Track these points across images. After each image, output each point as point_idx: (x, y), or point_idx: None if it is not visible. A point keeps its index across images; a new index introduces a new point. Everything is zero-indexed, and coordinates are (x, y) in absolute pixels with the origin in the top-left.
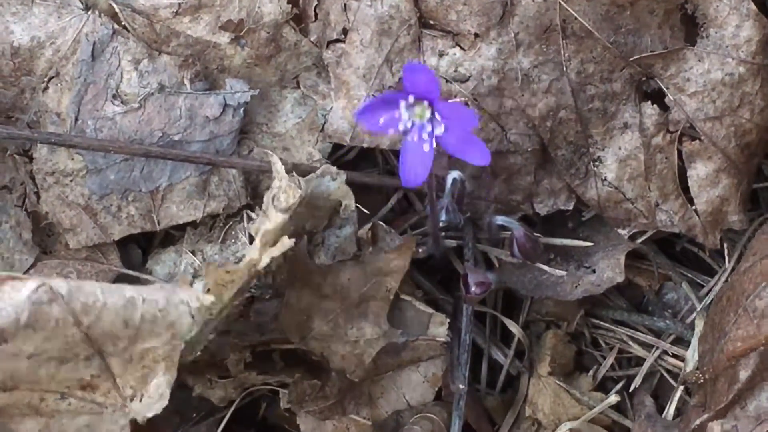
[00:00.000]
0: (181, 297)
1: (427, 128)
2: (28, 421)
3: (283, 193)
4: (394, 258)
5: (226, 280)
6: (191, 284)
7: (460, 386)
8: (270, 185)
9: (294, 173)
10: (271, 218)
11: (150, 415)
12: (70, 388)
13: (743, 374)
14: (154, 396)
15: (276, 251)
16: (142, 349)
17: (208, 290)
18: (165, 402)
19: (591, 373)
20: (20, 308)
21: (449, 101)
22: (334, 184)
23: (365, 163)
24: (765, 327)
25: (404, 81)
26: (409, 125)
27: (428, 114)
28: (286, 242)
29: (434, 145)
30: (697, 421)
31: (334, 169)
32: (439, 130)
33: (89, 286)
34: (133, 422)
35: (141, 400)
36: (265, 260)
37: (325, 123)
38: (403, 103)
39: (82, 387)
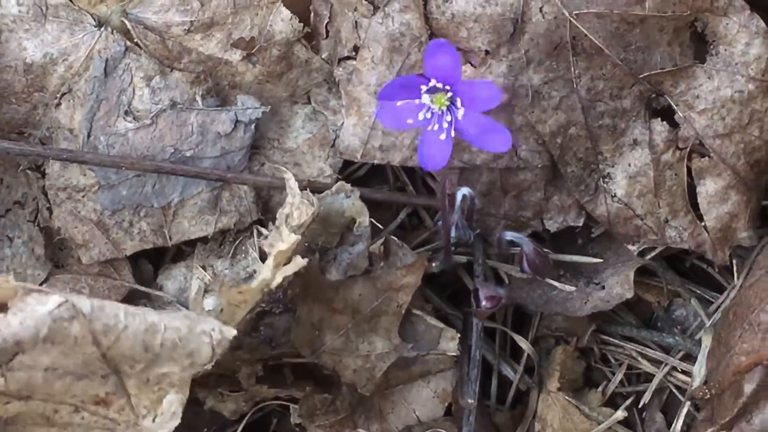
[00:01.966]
0: (203, 327)
1: (447, 117)
2: (40, 431)
3: (296, 209)
4: (405, 274)
5: (239, 300)
6: (202, 302)
7: (470, 401)
8: (282, 201)
9: (308, 190)
10: (284, 238)
11: None
12: (84, 402)
13: (748, 388)
14: (167, 415)
15: (289, 270)
16: (159, 374)
17: (221, 310)
18: (177, 421)
19: (600, 388)
20: (41, 322)
21: (468, 81)
22: (349, 201)
23: (376, 179)
24: None
25: (426, 61)
26: (428, 115)
27: (447, 102)
28: (300, 261)
29: (452, 134)
30: None
31: (348, 186)
32: (460, 114)
33: (112, 308)
34: None
35: (154, 420)
36: (277, 280)
37: (336, 139)
38: (423, 88)
39: (96, 402)
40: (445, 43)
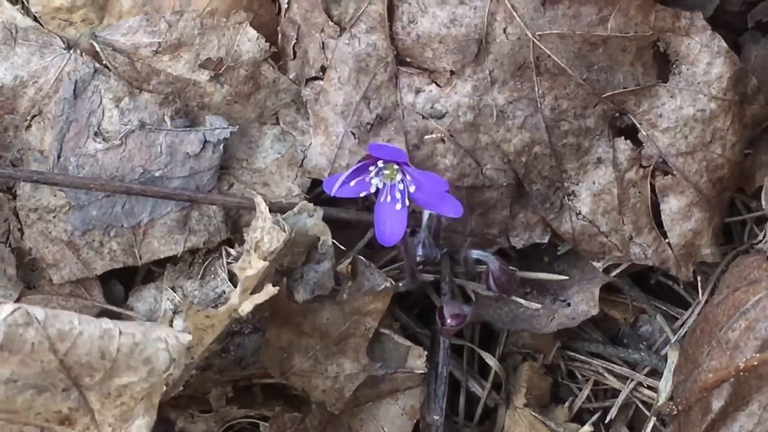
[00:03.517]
0: (158, 333)
1: (399, 187)
2: None
3: (267, 234)
4: (372, 301)
5: (206, 324)
6: (171, 322)
7: (435, 417)
8: (251, 222)
9: (279, 216)
10: (253, 264)
11: None
12: (49, 422)
13: (716, 404)
14: None
15: (259, 299)
16: (120, 385)
17: (190, 333)
18: None
19: (567, 404)
20: None
21: (417, 168)
22: (311, 220)
23: (343, 199)
24: (737, 358)
25: (371, 153)
26: (380, 185)
27: (399, 175)
28: (270, 290)
29: (407, 203)
30: None
31: (311, 206)
32: (412, 188)
33: (66, 315)
34: None
35: None
36: (247, 307)
37: (304, 159)
38: (372, 168)
39: (61, 421)
40: (384, 145)
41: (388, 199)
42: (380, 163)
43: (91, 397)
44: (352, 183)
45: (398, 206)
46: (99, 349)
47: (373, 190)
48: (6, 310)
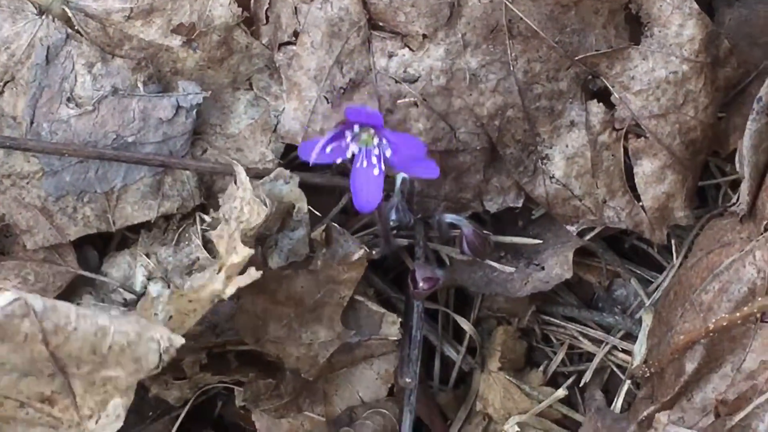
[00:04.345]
0: (152, 334)
1: (375, 152)
2: None
3: (247, 205)
4: (347, 270)
5: (188, 309)
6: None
7: (407, 380)
8: (227, 190)
9: (260, 189)
10: (238, 251)
11: None
12: (29, 399)
13: (690, 366)
14: (111, 417)
15: (242, 282)
16: (105, 376)
17: (170, 318)
18: (120, 424)
19: (541, 368)
20: None
21: (394, 131)
22: (287, 187)
23: (318, 164)
24: (710, 320)
25: (347, 117)
26: (356, 150)
27: (375, 139)
28: (253, 274)
29: (383, 167)
30: (645, 413)
31: (287, 172)
32: (388, 153)
33: (64, 308)
34: None
35: (97, 421)
36: (230, 290)
37: (277, 124)
38: (348, 133)
39: (42, 400)
40: (361, 108)
41: (365, 164)
42: (356, 128)
43: (75, 383)
44: (328, 149)
45: (375, 171)
46: (91, 345)
47: (349, 155)
48: (5, 299)
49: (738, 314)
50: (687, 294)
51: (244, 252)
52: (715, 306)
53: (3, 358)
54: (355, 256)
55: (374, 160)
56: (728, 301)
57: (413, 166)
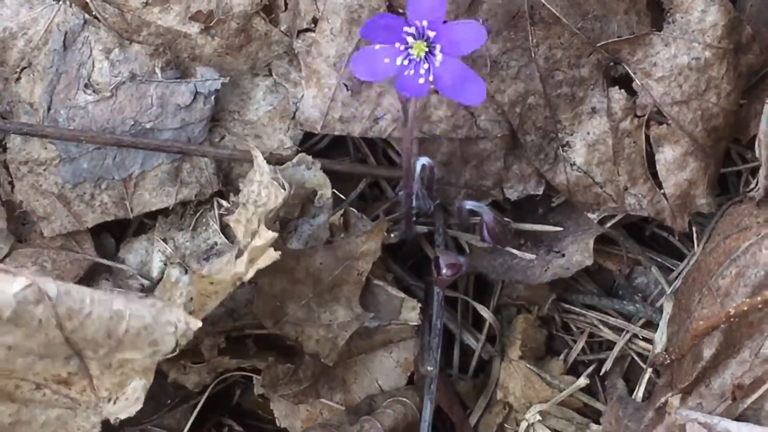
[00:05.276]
0: (169, 318)
1: (424, 65)
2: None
3: (265, 189)
4: (365, 241)
5: (210, 291)
6: (172, 289)
7: (429, 368)
8: (247, 174)
9: (278, 172)
10: (261, 234)
11: (123, 416)
12: (46, 380)
13: (707, 352)
14: (130, 399)
15: (263, 263)
16: (122, 359)
17: (191, 299)
18: (140, 405)
19: (562, 356)
20: (5, 304)
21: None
22: (310, 172)
23: (336, 151)
24: (728, 305)
25: (410, 4)
26: (406, 62)
27: (426, 49)
28: (272, 254)
29: (430, 79)
30: (662, 400)
31: (309, 158)
32: (438, 61)
33: (78, 293)
34: (105, 422)
35: (115, 403)
36: (251, 273)
37: (296, 111)
38: (405, 30)
39: (58, 382)
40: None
41: (411, 72)
42: (410, 39)
43: (91, 365)
44: (378, 47)
45: (421, 80)
46: (107, 329)
47: (398, 63)
48: (18, 284)
49: (759, 298)
50: (705, 279)
51: (268, 235)
52: (732, 291)
53: (18, 343)
54: (373, 225)
55: (422, 71)
56: (745, 285)
57: (460, 88)
